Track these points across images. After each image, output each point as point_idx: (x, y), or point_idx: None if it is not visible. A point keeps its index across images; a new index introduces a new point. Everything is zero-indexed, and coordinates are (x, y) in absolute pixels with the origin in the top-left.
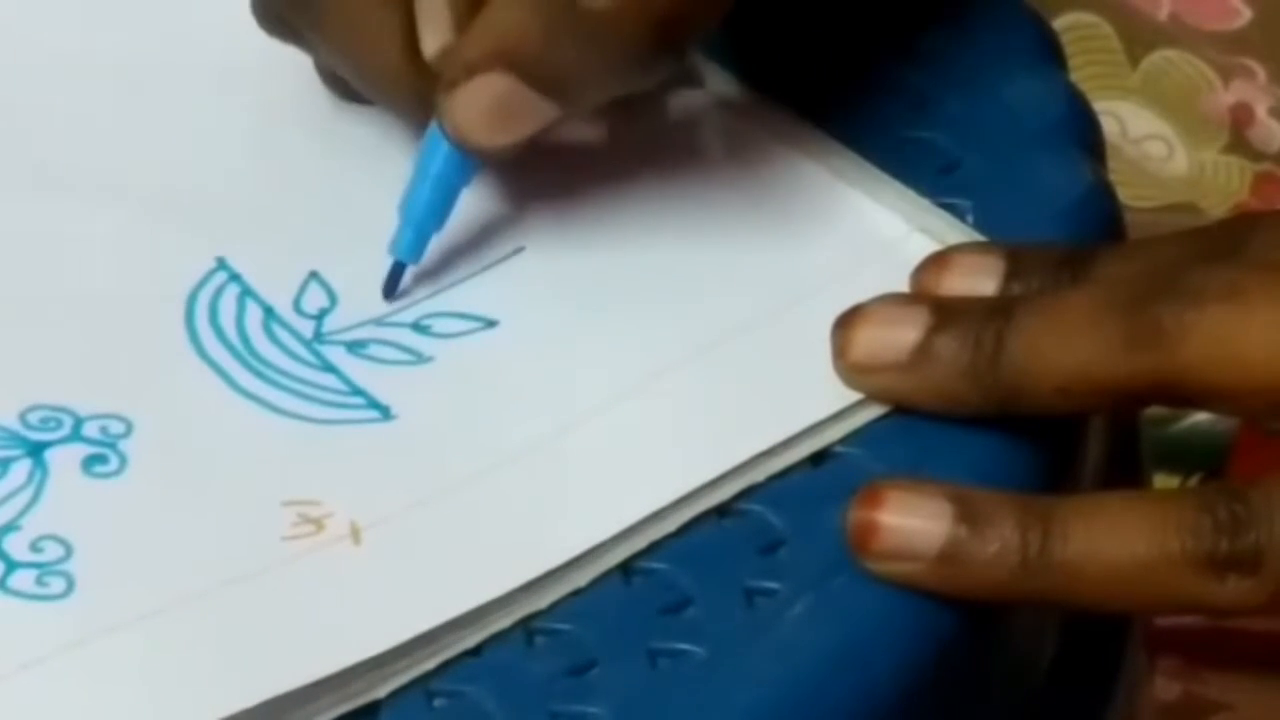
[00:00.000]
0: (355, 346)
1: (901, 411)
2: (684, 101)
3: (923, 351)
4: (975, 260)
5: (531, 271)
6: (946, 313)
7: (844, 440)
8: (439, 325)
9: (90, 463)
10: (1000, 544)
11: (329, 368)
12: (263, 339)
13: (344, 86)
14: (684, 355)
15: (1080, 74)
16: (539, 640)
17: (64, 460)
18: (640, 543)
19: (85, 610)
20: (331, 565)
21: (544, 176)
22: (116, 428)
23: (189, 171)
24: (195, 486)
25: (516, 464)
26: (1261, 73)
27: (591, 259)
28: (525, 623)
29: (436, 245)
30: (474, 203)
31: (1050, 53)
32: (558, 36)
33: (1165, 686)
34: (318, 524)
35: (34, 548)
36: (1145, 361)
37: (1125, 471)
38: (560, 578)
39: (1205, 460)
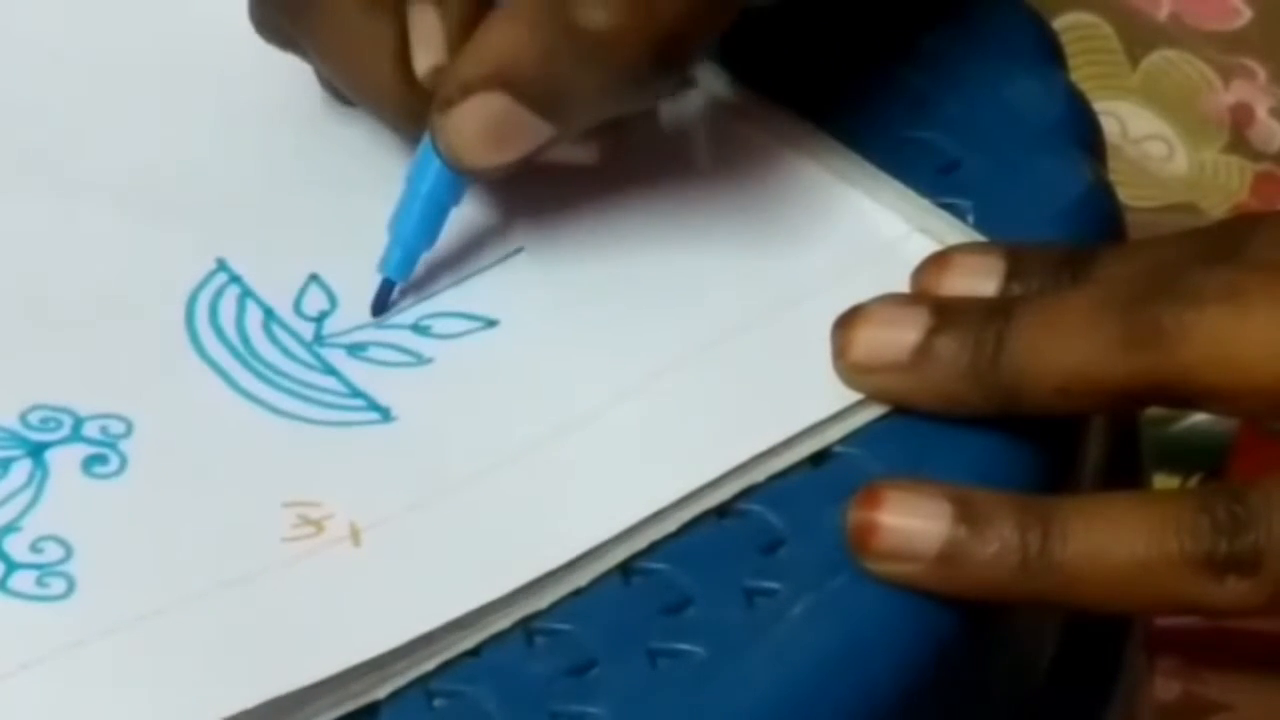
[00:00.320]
0: (355, 349)
1: (901, 411)
2: (684, 102)
3: (923, 352)
4: (975, 260)
5: (532, 271)
6: (946, 313)
7: (844, 440)
8: (439, 326)
9: (90, 463)
10: (1000, 544)
11: (329, 370)
12: (263, 340)
13: (342, 93)
14: (684, 355)
15: (1080, 74)
16: (539, 640)
17: (64, 460)
18: (640, 543)
19: (85, 611)
20: (332, 567)
21: (544, 177)
22: (117, 428)
23: (190, 172)
24: (195, 487)
25: (516, 464)
26: (1261, 73)
27: (592, 259)
28: (525, 623)
29: (437, 245)
30: (474, 203)
31: (1050, 53)
32: (555, 56)
33: (1165, 686)
34: (318, 525)
35: (34, 548)
36: (1144, 362)
37: (1125, 472)
38: (560, 578)
39: (1205, 460)
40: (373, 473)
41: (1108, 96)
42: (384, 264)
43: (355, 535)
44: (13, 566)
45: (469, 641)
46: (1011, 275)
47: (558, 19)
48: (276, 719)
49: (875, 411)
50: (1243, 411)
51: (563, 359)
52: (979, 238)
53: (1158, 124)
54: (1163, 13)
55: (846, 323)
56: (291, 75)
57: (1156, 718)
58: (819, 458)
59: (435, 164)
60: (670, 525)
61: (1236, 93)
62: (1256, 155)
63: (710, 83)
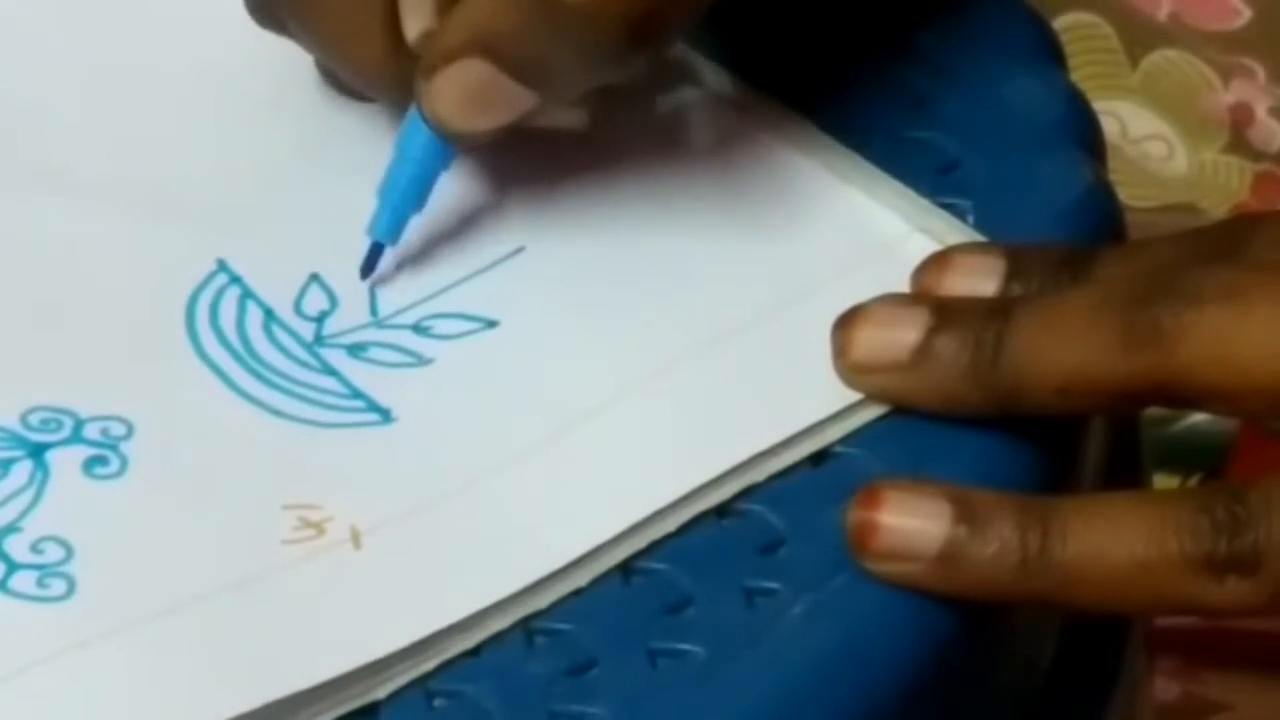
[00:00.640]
0: (356, 349)
1: (901, 411)
2: (683, 101)
3: (923, 352)
4: (975, 260)
5: (532, 271)
6: (947, 313)
7: (844, 440)
8: (439, 326)
9: (91, 464)
10: (999, 544)
11: (329, 371)
12: (263, 341)
13: (341, 81)
14: (684, 355)
15: (1080, 74)
16: (539, 640)
17: (65, 462)
18: (640, 543)
19: (86, 612)
20: (332, 569)
21: (544, 176)
22: (117, 429)
23: (190, 173)
24: (196, 489)
25: (516, 465)
26: (1261, 73)
27: (592, 259)
28: (525, 623)
29: (437, 245)
30: (474, 203)
31: (1050, 53)
32: (534, 27)
33: (1165, 686)
34: (318, 528)
35: (35, 549)
36: (1144, 362)
37: (1125, 472)
38: (560, 578)
39: (1205, 460)
40: (373, 475)
41: (1108, 96)
42: (372, 227)
43: (356, 538)
44: (13, 567)
45: (469, 641)
46: (1011, 275)
47: None
48: (276, 719)
49: (875, 411)
50: (1243, 411)
51: (563, 359)
52: (979, 238)
53: (1158, 124)
54: (1163, 13)
55: (846, 322)
56: (292, 76)
57: (1156, 718)
58: (819, 458)
59: (423, 130)
60: (670, 525)
61: (1236, 93)
62: (1256, 155)
63: (711, 80)
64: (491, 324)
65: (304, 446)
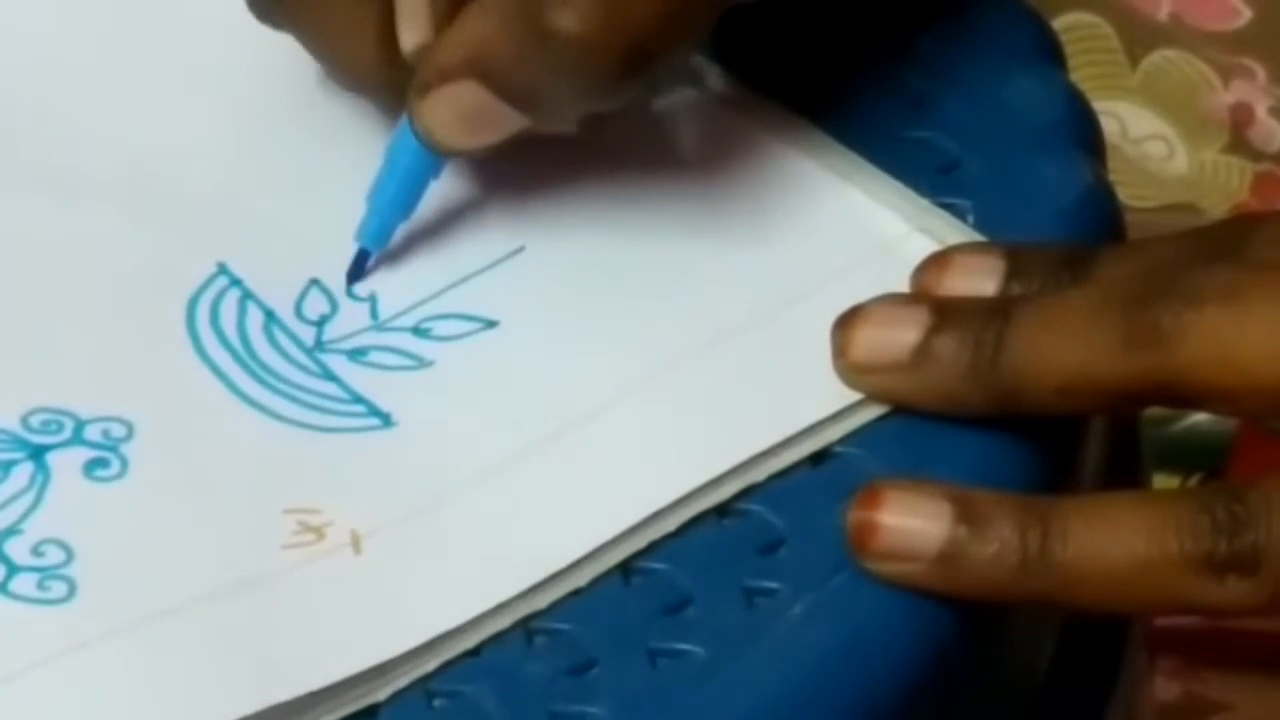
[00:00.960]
0: (356, 354)
1: (901, 411)
2: (684, 101)
3: (923, 352)
4: (975, 260)
5: (532, 271)
6: (946, 313)
7: (844, 440)
8: (440, 328)
9: (92, 466)
10: (1000, 544)
11: (330, 376)
12: (264, 344)
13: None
14: (684, 355)
15: (1080, 74)
16: (539, 640)
17: (66, 464)
18: (640, 543)
19: (86, 615)
20: (332, 573)
21: (543, 176)
22: (118, 431)
23: (191, 176)
24: (196, 492)
25: (516, 466)
26: (1261, 73)
27: (592, 259)
28: (525, 623)
29: (437, 245)
30: (474, 202)
31: (1050, 53)
32: (528, 54)
33: (1165, 686)
34: (318, 532)
35: (35, 552)
36: (1144, 362)
37: (1125, 471)
38: (560, 578)
39: (1205, 460)
40: (373, 480)
41: (1108, 96)
42: (360, 233)
43: (356, 542)
44: (14, 569)
45: (469, 641)
46: (1011, 275)
47: (531, 20)
48: None
49: (875, 411)
50: (1243, 411)
51: (563, 359)
52: (979, 238)
53: (1158, 124)
54: (1163, 13)
55: (846, 322)
56: (293, 78)
57: (1156, 718)
58: (819, 458)
59: (414, 141)
60: (670, 525)
61: (1236, 93)
62: (1256, 155)
63: (711, 81)
64: (491, 324)
65: (304, 450)
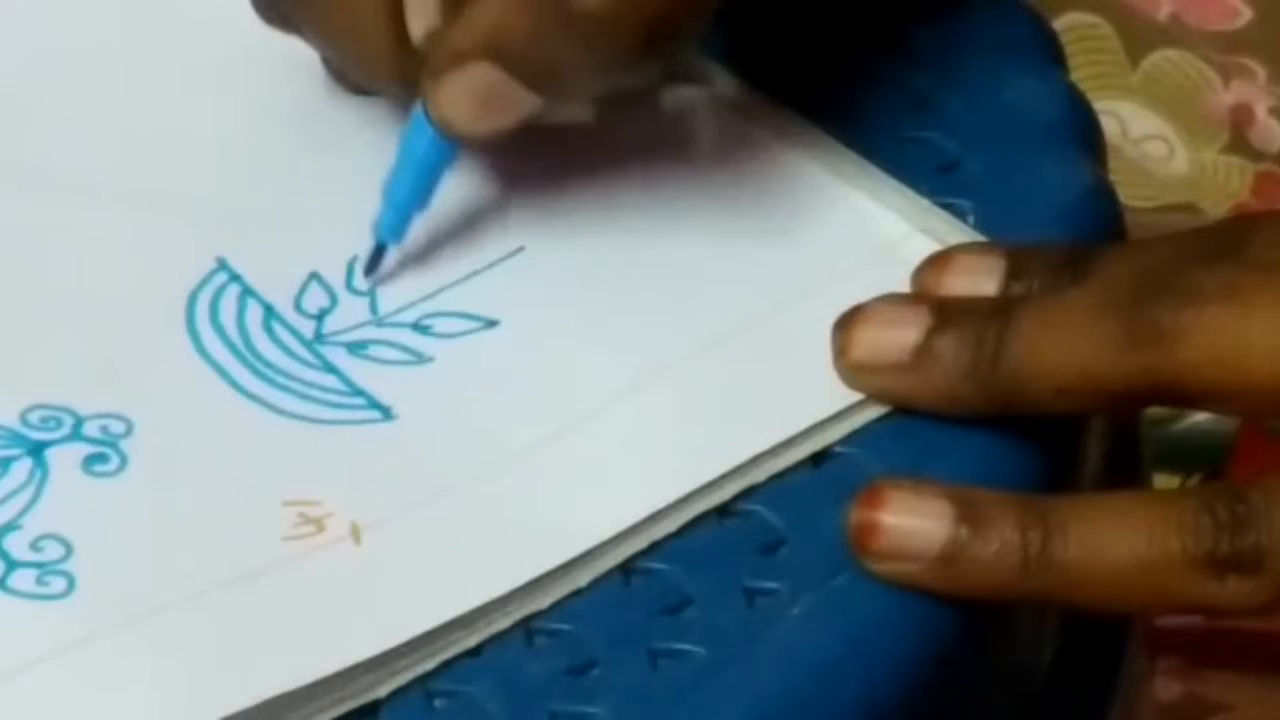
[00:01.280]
0: (356, 347)
1: (902, 411)
2: (685, 101)
3: (923, 352)
4: (976, 260)
5: (532, 271)
6: (947, 313)
7: (844, 440)
8: (440, 325)
9: (91, 462)
10: (1000, 544)
11: (330, 368)
12: (263, 339)
13: (350, 79)
14: (684, 355)
15: (1080, 74)
16: (539, 640)
17: (64, 459)
18: (640, 543)
19: (86, 610)
20: (332, 566)
21: (545, 176)
22: (117, 427)
23: (190, 171)
24: (196, 486)
25: (516, 464)
26: (1261, 73)
27: (592, 259)
28: (525, 623)
29: (437, 244)
30: (474, 202)
31: (1050, 53)
32: (545, 33)
33: (1165, 686)
34: (318, 524)
35: (34, 547)
36: (1145, 362)
37: (1125, 471)
38: (560, 578)
39: (1205, 460)
40: (373, 471)
41: (1108, 96)
42: (377, 227)
43: (356, 534)
44: (13, 565)
45: (469, 641)
46: (1012, 275)
47: None
48: (277, 717)
49: (876, 411)
50: (1243, 411)
51: (563, 359)
52: (979, 238)
53: (1158, 124)
54: (1163, 13)
55: (847, 322)
56: (292, 73)
57: (1156, 718)
58: (819, 458)
59: (428, 129)
60: (670, 525)
61: (1236, 93)
62: (1256, 155)
63: (710, 81)
64: (491, 323)
65: (304, 443)
